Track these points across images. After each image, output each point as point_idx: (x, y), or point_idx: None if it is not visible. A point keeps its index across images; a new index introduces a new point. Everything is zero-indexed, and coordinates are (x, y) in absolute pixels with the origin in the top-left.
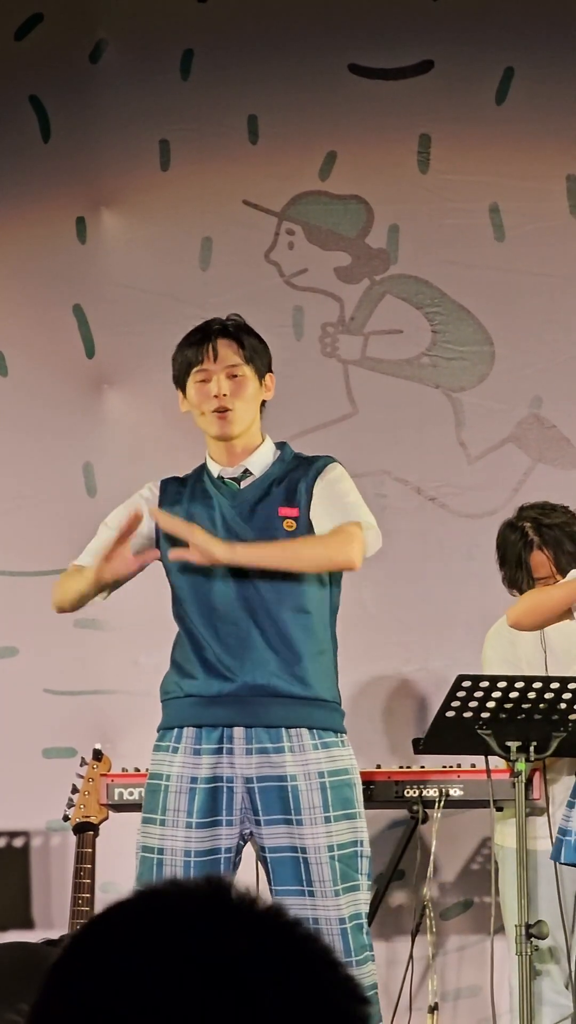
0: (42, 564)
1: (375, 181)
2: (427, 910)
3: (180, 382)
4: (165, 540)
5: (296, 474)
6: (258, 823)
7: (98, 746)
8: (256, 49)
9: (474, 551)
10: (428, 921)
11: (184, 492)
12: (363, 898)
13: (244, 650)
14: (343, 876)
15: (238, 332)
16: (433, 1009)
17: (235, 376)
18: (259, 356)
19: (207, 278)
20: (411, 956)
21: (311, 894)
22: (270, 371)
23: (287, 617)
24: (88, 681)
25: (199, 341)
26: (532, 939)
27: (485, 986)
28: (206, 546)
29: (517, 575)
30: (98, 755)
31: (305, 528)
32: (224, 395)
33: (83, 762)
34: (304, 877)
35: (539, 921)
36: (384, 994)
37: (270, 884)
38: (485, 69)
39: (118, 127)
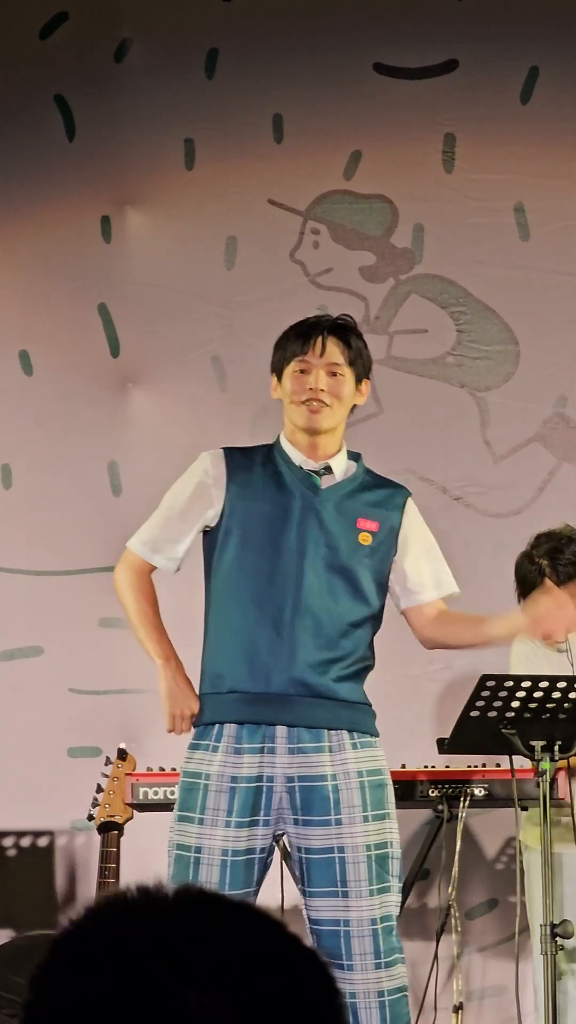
0: (67, 564)
1: (400, 180)
2: (452, 910)
3: (278, 368)
4: (230, 522)
5: (378, 494)
6: (296, 823)
7: (123, 745)
8: (281, 48)
9: (499, 550)
10: (453, 921)
11: (254, 468)
12: (394, 900)
13: (291, 649)
14: (377, 877)
15: (347, 333)
16: (458, 1009)
17: (335, 374)
18: (361, 360)
19: (232, 277)
20: (436, 956)
21: (344, 895)
22: (367, 377)
23: (337, 620)
24: (113, 680)
25: (308, 333)
26: (557, 938)
27: (510, 986)
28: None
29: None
30: (123, 754)
31: (381, 547)
32: (321, 390)
33: (108, 761)
34: (340, 878)
35: (564, 920)
36: (409, 993)
37: (303, 885)
38: (510, 68)
39: (143, 126)
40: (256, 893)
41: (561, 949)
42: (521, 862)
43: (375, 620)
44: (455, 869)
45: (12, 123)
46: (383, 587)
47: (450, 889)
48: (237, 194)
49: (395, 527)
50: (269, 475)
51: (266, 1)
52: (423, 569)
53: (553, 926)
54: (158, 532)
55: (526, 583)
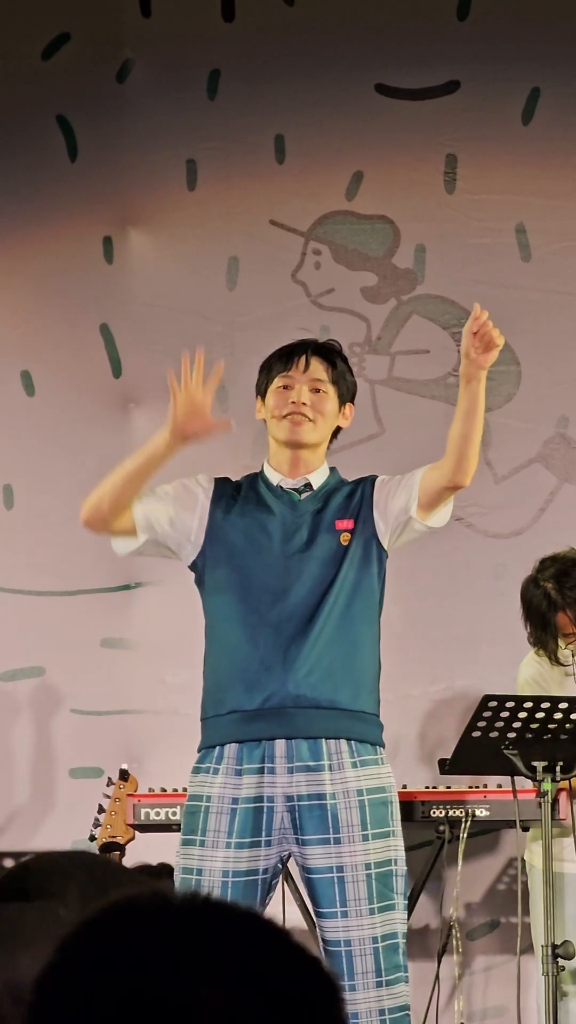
0: (68, 584)
1: (401, 201)
2: (453, 930)
3: (261, 389)
4: (213, 546)
5: (348, 490)
6: (299, 843)
7: (125, 766)
8: (283, 69)
9: (500, 570)
10: (455, 941)
11: (236, 496)
12: (399, 917)
13: (285, 664)
14: (379, 895)
15: (331, 354)
16: None
17: (318, 391)
18: (345, 382)
19: (234, 298)
20: (437, 976)
21: (344, 914)
22: (351, 401)
23: (328, 629)
24: (115, 701)
25: (292, 352)
26: (559, 959)
27: (511, 1006)
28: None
29: (543, 636)
30: (124, 775)
31: (360, 541)
32: (304, 403)
33: (110, 782)
34: (339, 897)
35: (566, 941)
36: (410, 1014)
37: (312, 905)
38: (511, 89)
39: (145, 146)
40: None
41: (562, 970)
42: (524, 882)
43: (370, 622)
44: (456, 889)
45: (14, 143)
46: (375, 582)
47: (451, 910)
48: (239, 215)
49: (368, 506)
50: (251, 499)
51: (268, 22)
52: (403, 481)
53: (554, 947)
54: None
55: (532, 607)
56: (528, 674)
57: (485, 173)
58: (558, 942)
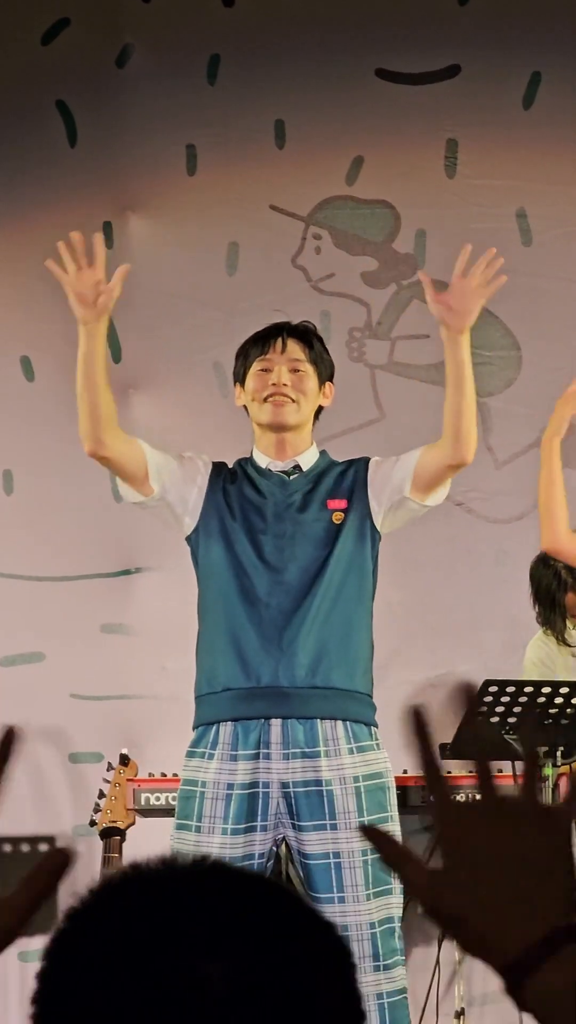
0: (68, 569)
1: (402, 186)
2: None
3: (239, 375)
4: (206, 529)
5: (341, 471)
6: (295, 827)
7: (125, 751)
8: (283, 54)
9: (501, 556)
10: None
11: (230, 479)
12: (395, 902)
13: (280, 643)
14: (375, 880)
15: (308, 335)
16: (460, 1014)
17: (297, 371)
18: (323, 362)
19: (234, 283)
20: (438, 961)
21: (341, 900)
22: (331, 380)
23: (323, 609)
24: (115, 686)
25: (268, 335)
26: None
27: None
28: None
29: (551, 616)
30: (125, 760)
31: (354, 520)
32: (284, 384)
33: (110, 767)
34: (336, 883)
35: None
36: (411, 999)
37: (306, 889)
38: (512, 74)
39: (144, 132)
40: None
41: None
42: None
43: (364, 602)
44: None
45: (14, 129)
46: (367, 561)
47: None
48: (239, 200)
49: (362, 486)
50: (244, 481)
51: (268, 7)
52: (399, 460)
53: None
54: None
55: (541, 587)
56: (535, 655)
57: (486, 158)
58: None
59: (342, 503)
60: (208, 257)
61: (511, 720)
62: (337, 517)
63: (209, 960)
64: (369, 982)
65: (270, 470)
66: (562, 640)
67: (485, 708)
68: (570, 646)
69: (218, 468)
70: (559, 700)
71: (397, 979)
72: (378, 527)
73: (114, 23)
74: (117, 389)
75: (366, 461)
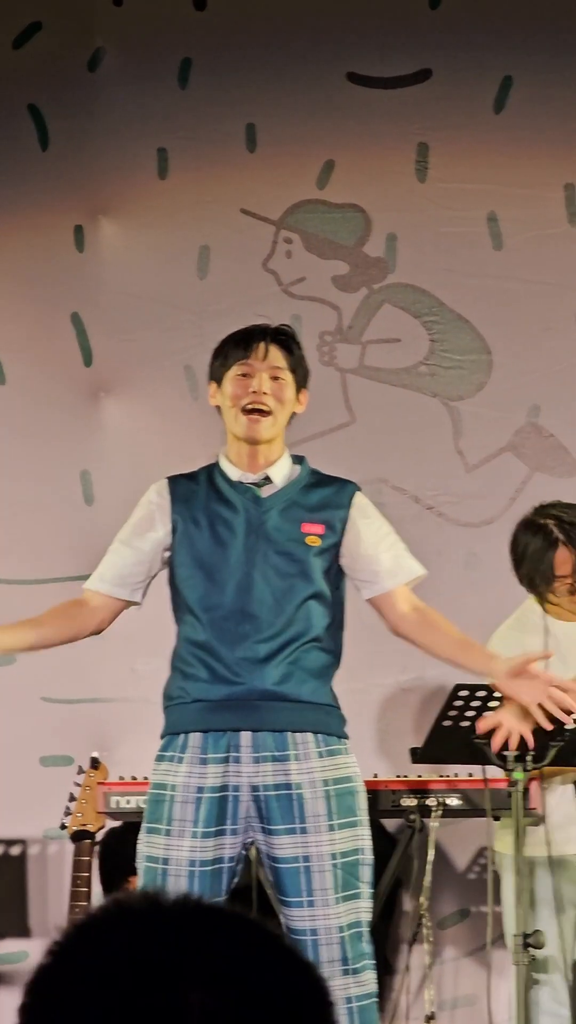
0: (39, 572)
1: (373, 190)
2: (424, 919)
3: (216, 375)
4: (179, 544)
5: (321, 494)
6: (264, 831)
7: (95, 754)
8: (254, 57)
9: (472, 560)
10: (425, 930)
11: (198, 491)
12: (364, 906)
13: (250, 658)
14: (344, 884)
15: (288, 340)
16: (430, 1019)
17: (277, 379)
18: (302, 368)
19: (205, 286)
20: (407, 966)
21: (311, 904)
22: (306, 387)
23: (293, 625)
24: (85, 689)
25: (250, 338)
26: (529, 948)
27: (482, 995)
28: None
29: (535, 574)
30: (95, 763)
31: (326, 546)
32: (264, 392)
33: (80, 770)
34: (306, 887)
35: (536, 931)
36: (380, 1003)
37: (276, 892)
38: (483, 78)
39: (116, 135)
40: (224, 903)
41: (533, 959)
42: (494, 872)
43: (334, 619)
44: (427, 879)
45: None
46: (339, 585)
47: (422, 899)
48: (210, 203)
49: (342, 524)
50: (212, 495)
51: (239, 11)
52: (381, 557)
53: (525, 936)
54: (107, 563)
55: (528, 549)
56: (503, 642)
57: (457, 162)
58: (529, 931)
59: (318, 528)
60: (179, 260)
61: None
62: (312, 540)
63: (188, 996)
64: (338, 986)
65: (241, 482)
66: (544, 603)
67: (455, 712)
68: (554, 604)
69: (176, 487)
70: None
71: (366, 983)
72: (340, 562)
73: (86, 27)
74: (88, 391)
75: (349, 496)
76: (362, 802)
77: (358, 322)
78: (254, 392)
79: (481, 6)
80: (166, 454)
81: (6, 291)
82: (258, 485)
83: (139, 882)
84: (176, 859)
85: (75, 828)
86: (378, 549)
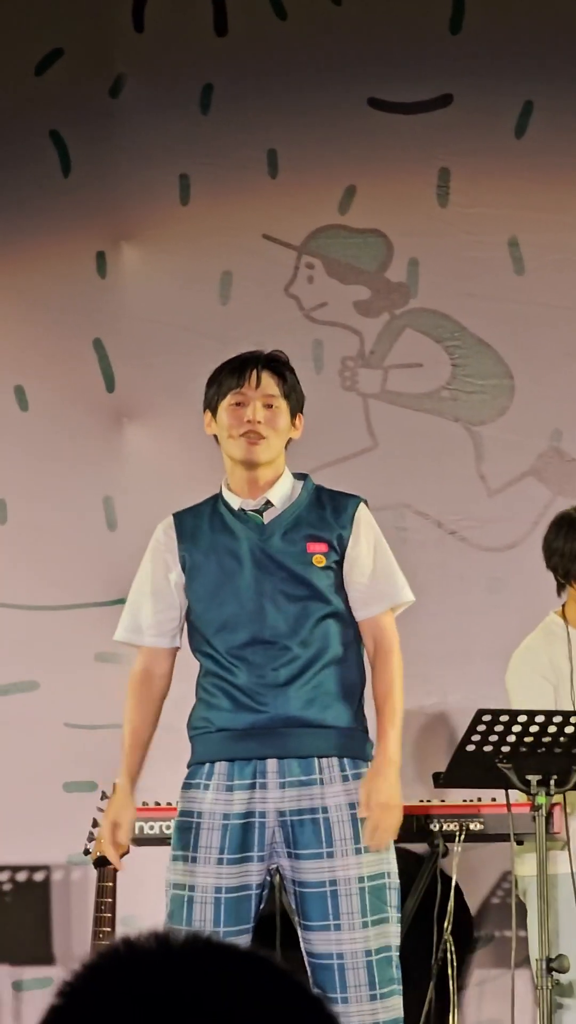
0: (62, 598)
1: (394, 215)
2: (448, 944)
3: (212, 404)
4: (191, 579)
5: (324, 511)
6: (291, 856)
7: (118, 780)
8: (275, 83)
9: (494, 584)
10: (449, 955)
11: (202, 525)
12: (392, 931)
13: (271, 686)
14: (372, 908)
15: (281, 367)
16: None
17: (271, 406)
18: (295, 394)
19: (227, 312)
20: (432, 990)
21: (338, 928)
22: (301, 411)
23: (309, 647)
24: (108, 715)
25: (243, 367)
26: (553, 973)
27: (506, 1020)
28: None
29: (572, 566)
30: None
31: (332, 563)
32: (258, 421)
33: (103, 796)
34: (332, 911)
35: (560, 955)
36: None
37: (299, 918)
38: (504, 103)
39: (138, 161)
40: (252, 929)
41: (557, 984)
42: (516, 896)
43: (354, 636)
44: (451, 903)
45: (7, 158)
46: (348, 606)
47: (446, 923)
48: (232, 229)
49: (344, 541)
50: (216, 526)
51: (261, 36)
52: (365, 583)
53: (549, 960)
54: (133, 614)
55: (564, 541)
56: (528, 672)
57: (478, 187)
58: (553, 955)
59: (322, 546)
60: (201, 286)
61: (504, 749)
62: (318, 560)
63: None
64: (365, 1011)
65: (243, 510)
66: None
67: (478, 737)
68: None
69: (182, 523)
70: (552, 729)
71: (393, 1008)
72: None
73: (108, 53)
74: (110, 417)
75: (352, 510)
76: None
77: (380, 347)
78: (248, 421)
79: (502, 31)
80: (189, 479)
81: (28, 317)
82: (260, 511)
83: (166, 909)
84: (202, 886)
85: (98, 854)
86: (365, 575)
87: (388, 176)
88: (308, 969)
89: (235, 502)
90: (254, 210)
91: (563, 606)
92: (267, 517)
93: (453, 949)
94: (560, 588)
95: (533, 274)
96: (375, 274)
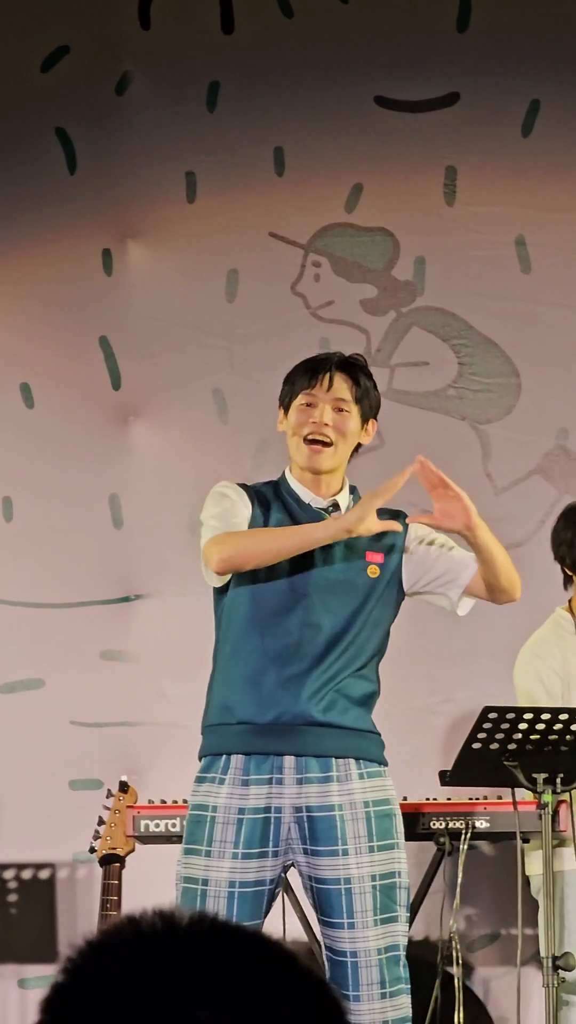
0: (68, 596)
1: (401, 213)
2: (453, 942)
3: (285, 402)
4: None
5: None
6: (306, 852)
7: (124, 778)
8: (282, 81)
9: None
10: (455, 953)
11: (269, 504)
12: (401, 930)
13: (300, 682)
14: (383, 907)
15: (356, 370)
16: None
17: (341, 410)
18: (368, 399)
19: (233, 310)
20: (438, 988)
21: (351, 926)
22: (374, 417)
23: (345, 654)
24: (114, 713)
25: (316, 368)
26: (559, 971)
27: (512, 1018)
28: (468, 509)
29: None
30: (124, 787)
31: (386, 576)
32: (326, 424)
33: (109, 794)
34: (346, 908)
35: (566, 953)
36: None
37: (317, 914)
38: (511, 101)
39: (144, 159)
40: (262, 925)
41: (563, 981)
42: (525, 894)
43: (380, 648)
44: (456, 901)
45: (13, 155)
46: (392, 616)
47: (451, 921)
48: (238, 227)
49: (399, 551)
50: (281, 512)
51: (267, 34)
52: (454, 555)
53: (555, 958)
54: (225, 519)
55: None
56: (538, 668)
57: (485, 185)
58: (559, 952)
59: (379, 557)
60: (208, 284)
61: (510, 747)
62: (372, 571)
63: (204, 1007)
64: (375, 1009)
65: (311, 506)
66: None
67: (484, 735)
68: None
69: (249, 492)
70: (558, 727)
71: (401, 1007)
72: (405, 591)
73: (114, 51)
74: (116, 415)
75: (403, 521)
76: (399, 825)
77: (386, 345)
78: (314, 423)
79: (508, 30)
80: (195, 477)
81: (34, 315)
82: (327, 511)
83: (178, 903)
84: (216, 880)
85: (104, 852)
86: (440, 552)
87: (395, 174)
88: (326, 963)
89: (305, 495)
90: (261, 208)
91: (570, 600)
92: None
93: (459, 946)
94: (567, 581)
95: (540, 273)
96: (382, 272)
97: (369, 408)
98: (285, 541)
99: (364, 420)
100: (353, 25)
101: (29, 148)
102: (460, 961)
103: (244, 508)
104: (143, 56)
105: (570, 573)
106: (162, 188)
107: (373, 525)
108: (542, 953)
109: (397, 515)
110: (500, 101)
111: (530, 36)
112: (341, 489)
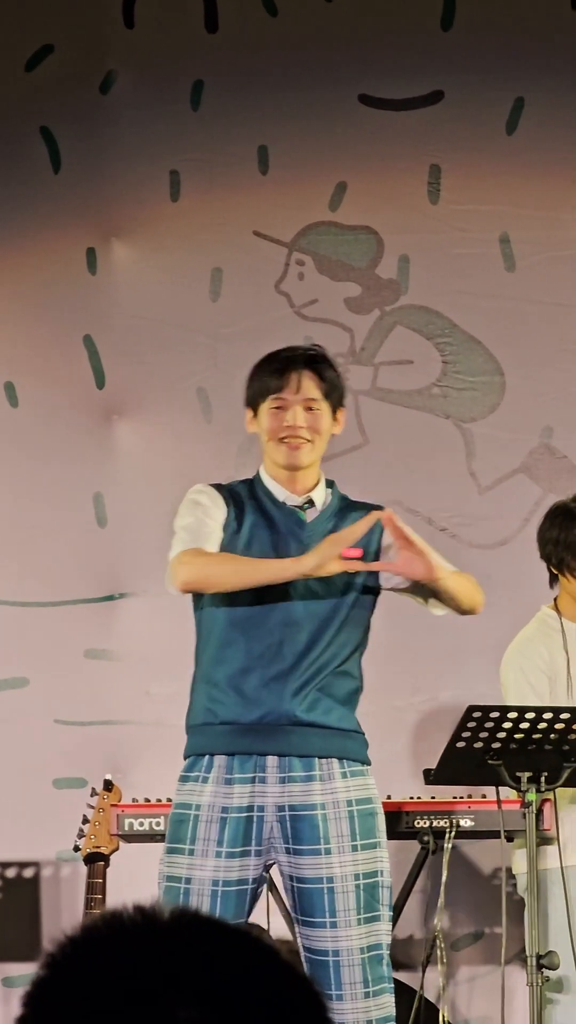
0: (52, 595)
1: (385, 211)
2: (438, 941)
3: (252, 403)
4: (230, 542)
5: (355, 519)
6: (288, 852)
7: (108, 776)
8: (266, 80)
9: (485, 581)
10: (439, 952)
11: (243, 505)
12: (383, 928)
13: (283, 681)
14: (366, 906)
15: (321, 366)
16: None
17: (312, 409)
18: (336, 391)
19: (217, 308)
20: (422, 987)
21: (333, 924)
22: (343, 406)
23: (326, 652)
24: (99, 711)
25: (282, 369)
26: (543, 969)
27: (495, 1017)
28: (431, 565)
29: (569, 557)
30: (108, 785)
31: (365, 572)
32: (300, 426)
33: (93, 792)
34: (328, 907)
35: (550, 952)
36: None
37: (295, 913)
38: (495, 99)
39: (128, 158)
40: (245, 924)
41: (547, 980)
42: (508, 893)
43: (361, 644)
44: (441, 900)
45: None
46: (370, 610)
47: (436, 920)
48: (222, 226)
49: (376, 545)
50: (256, 512)
51: (251, 33)
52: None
53: (539, 957)
54: (197, 532)
55: (559, 531)
56: (527, 666)
57: (469, 183)
58: (543, 951)
59: (356, 552)
60: (192, 283)
61: (495, 746)
62: (350, 567)
63: (184, 1006)
64: (359, 1008)
65: (285, 504)
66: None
67: (469, 734)
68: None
69: (223, 493)
70: (543, 726)
71: (385, 1006)
72: (381, 584)
73: (98, 49)
74: (100, 414)
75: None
76: (381, 824)
77: (370, 344)
78: (288, 426)
79: (493, 28)
80: (179, 476)
81: (18, 314)
82: (302, 508)
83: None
84: (199, 879)
85: (88, 850)
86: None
87: (379, 173)
88: (304, 964)
89: (279, 493)
90: (245, 206)
91: (555, 599)
92: (308, 516)
93: (443, 945)
94: (553, 580)
95: (524, 271)
96: (366, 271)
97: (338, 400)
98: (248, 576)
99: (334, 411)
100: (337, 23)
101: (13, 147)
102: (444, 960)
103: (218, 512)
104: (127, 55)
105: (555, 572)
106: (146, 187)
107: (333, 567)
108: (527, 952)
109: (373, 508)
110: (484, 99)
111: (514, 34)
112: (316, 484)
